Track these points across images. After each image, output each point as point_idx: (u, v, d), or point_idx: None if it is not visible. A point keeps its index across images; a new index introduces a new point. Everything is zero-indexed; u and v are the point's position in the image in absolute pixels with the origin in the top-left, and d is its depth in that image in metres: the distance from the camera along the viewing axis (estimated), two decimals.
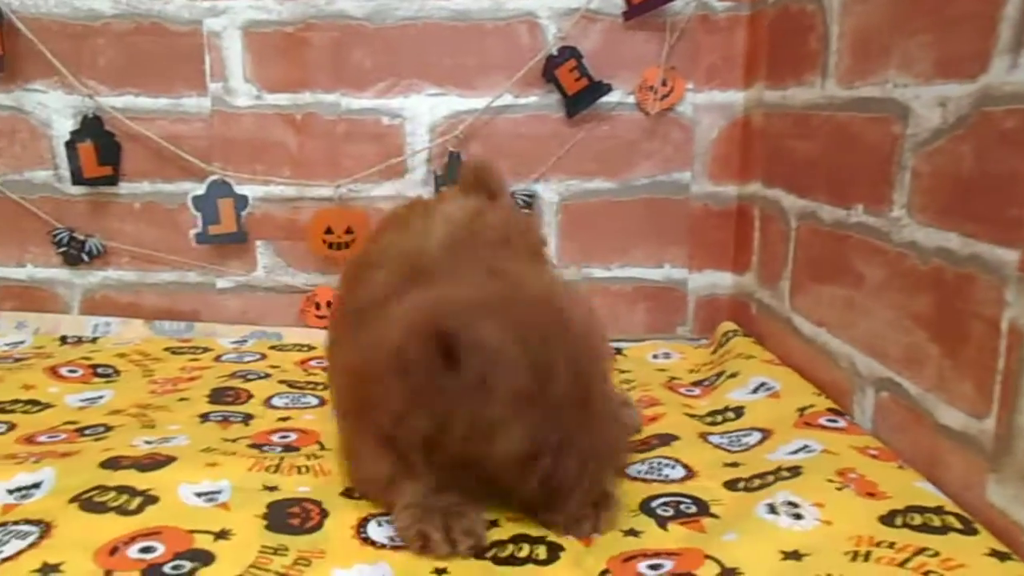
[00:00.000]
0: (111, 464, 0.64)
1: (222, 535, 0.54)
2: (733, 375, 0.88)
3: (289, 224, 1.10)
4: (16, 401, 0.83)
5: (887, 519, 0.53)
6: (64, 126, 1.07)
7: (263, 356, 1.03)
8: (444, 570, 0.51)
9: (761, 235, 1.00)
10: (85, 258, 1.11)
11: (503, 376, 0.49)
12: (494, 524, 0.57)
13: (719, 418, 0.78)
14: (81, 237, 1.10)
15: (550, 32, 1.05)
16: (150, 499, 0.58)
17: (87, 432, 0.74)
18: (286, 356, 1.04)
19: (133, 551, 0.51)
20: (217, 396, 0.86)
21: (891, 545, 0.49)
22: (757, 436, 0.71)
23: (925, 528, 0.52)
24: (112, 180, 1.09)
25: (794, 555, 0.50)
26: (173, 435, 0.73)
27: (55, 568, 0.49)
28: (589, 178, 1.08)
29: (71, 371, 0.93)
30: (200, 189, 1.09)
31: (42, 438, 0.73)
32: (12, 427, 0.76)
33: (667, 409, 0.81)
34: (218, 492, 0.60)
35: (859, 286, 0.73)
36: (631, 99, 1.06)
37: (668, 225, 1.08)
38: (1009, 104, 0.52)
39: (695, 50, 1.05)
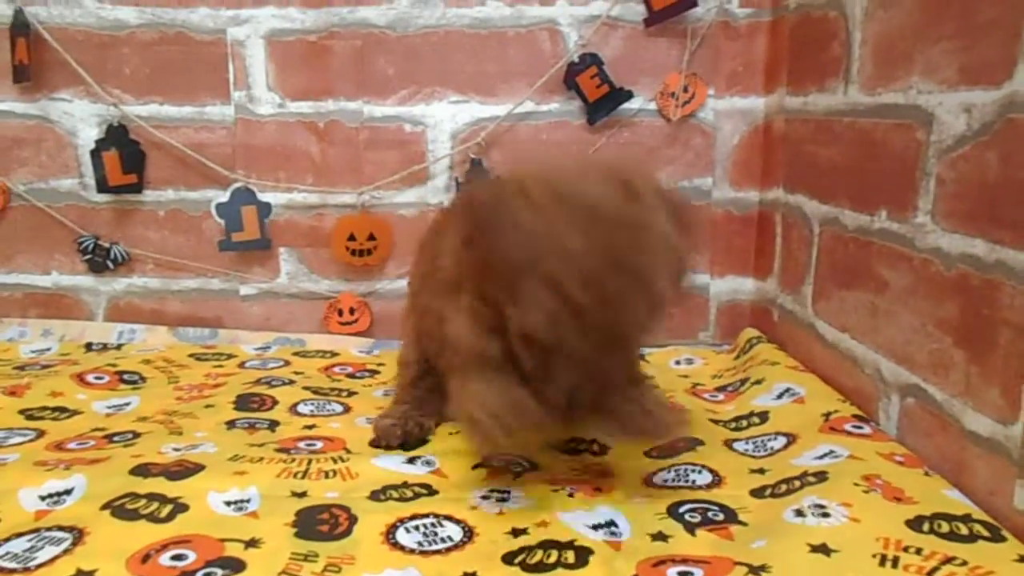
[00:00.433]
0: (141, 471, 0.62)
1: (252, 543, 0.53)
2: (758, 382, 0.85)
3: (312, 231, 1.08)
4: (44, 408, 0.81)
5: (914, 524, 0.51)
6: (89, 135, 1.05)
7: (287, 363, 1.01)
8: (474, 574, 0.50)
9: (783, 241, 0.98)
10: (110, 265, 1.09)
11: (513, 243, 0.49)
12: (523, 532, 0.55)
13: (744, 423, 0.76)
14: (106, 244, 1.08)
15: (571, 39, 1.02)
16: (180, 507, 0.57)
17: (116, 439, 0.73)
18: (310, 363, 1.01)
19: (165, 559, 0.50)
20: (242, 403, 0.84)
21: (918, 551, 0.48)
22: (782, 441, 0.69)
23: (953, 536, 0.50)
24: (137, 188, 1.06)
25: (823, 548, 0.48)
26: (200, 442, 0.71)
27: (89, 574, 0.48)
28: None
29: (98, 378, 0.91)
30: (224, 197, 1.07)
31: (72, 445, 0.71)
32: (42, 434, 0.74)
33: (692, 415, 0.78)
34: (247, 500, 0.59)
35: (883, 292, 0.71)
36: (652, 105, 1.04)
37: None
38: None
39: (716, 56, 1.02)
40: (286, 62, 1.04)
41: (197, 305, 1.10)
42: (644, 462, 0.67)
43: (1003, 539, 0.50)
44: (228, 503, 0.58)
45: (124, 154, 1.05)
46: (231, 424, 0.77)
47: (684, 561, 0.51)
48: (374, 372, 0.98)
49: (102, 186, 1.06)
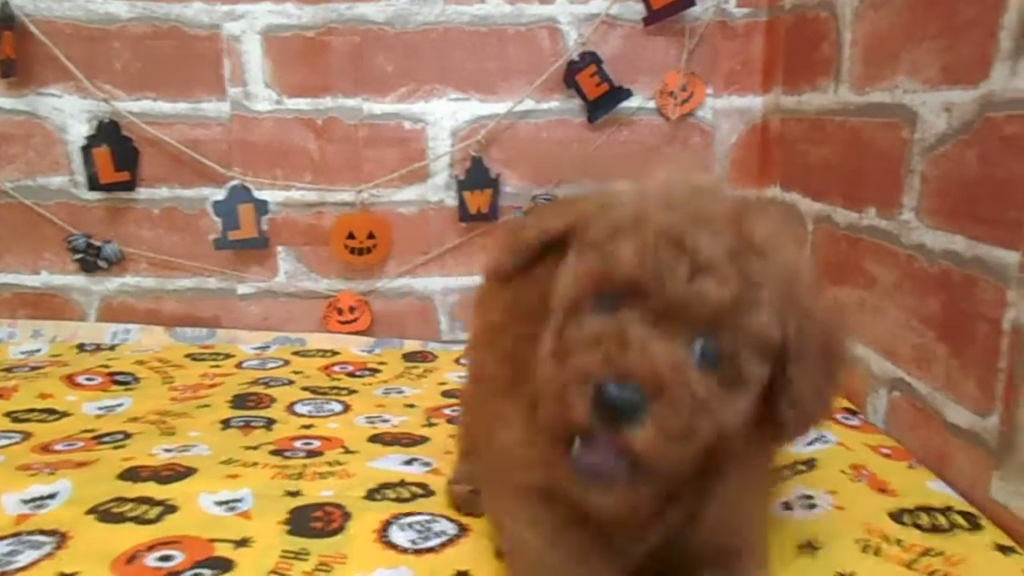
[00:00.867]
0: (130, 475, 0.60)
1: (243, 543, 0.51)
2: None
3: (311, 229, 1.04)
4: (32, 410, 0.77)
5: (896, 516, 0.51)
6: (80, 131, 1.00)
7: (286, 362, 0.97)
8: (466, 573, 0.48)
9: None
10: (102, 264, 1.03)
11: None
12: None
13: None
14: (98, 243, 1.03)
15: (571, 38, 1.00)
16: (169, 508, 0.55)
17: (105, 440, 0.69)
18: (310, 362, 0.97)
19: (151, 560, 0.48)
20: (239, 402, 0.80)
21: (899, 543, 0.49)
22: None
23: (932, 529, 0.51)
24: (129, 186, 1.01)
25: (808, 546, 0.48)
26: (193, 443, 0.68)
27: None
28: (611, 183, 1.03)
29: (89, 379, 0.87)
30: (220, 194, 1.02)
31: (58, 447, 0.68)
32: (28, 436, 0.70)
33: None
34: (239, 500, 0.57)
35: (871, 288, 0.71)
36: (651, 104, 1.01)
37: None
38: (1009, 110, 0.51)
39: (714, 56, 1.00)
40: (283, 58, 1.00)
41: (194, 305, 1.06)
42: None
43: (980, 528, 0.51)
44: (219, 503, 0.56)
45: (116, 151, 1.00)
46: (226, 423, 0.74)
47: None
48: (375, 371, 0.95)
49: (93, 183, 1.00)
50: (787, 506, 0.53)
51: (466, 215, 1.02)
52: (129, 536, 0.51)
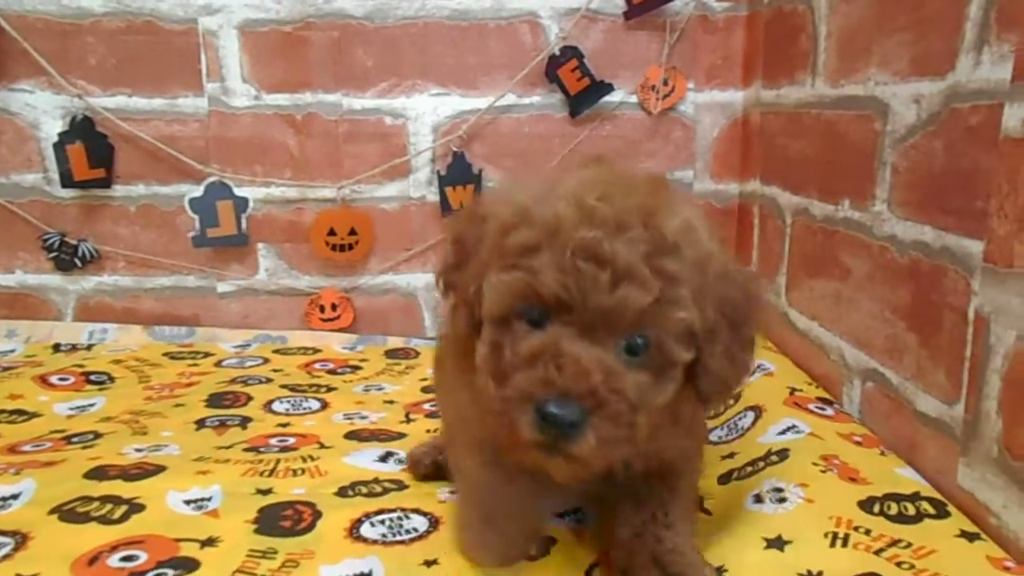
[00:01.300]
0: (97, 474, 0.57)
1: (209, 542, 0.49)
2: None
3: (291, 226, 1.01)
4: (1, 411, 0.74)
5: (866, 504, 0.50)
6: (53, 127, 0.96)
7: (266, 360, 0.94)
8: (435, 561, 0.47)
9: (760, 232, 0.95)
10: (78, 263, 1.00)
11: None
12: None
13: (722, 408, 0.73)
14: (73, 241, 0.99)
15: (552, 32, 0.97)
16: (136, 507, 0.52)
17: (75, 440, 0.66)
18: (290, 360, 0.94)
19: (114, 560, 0.46)
20: (215, 401, 0.78)
21: (868, 532, 0.47)
22: (751, 417, 0.67)
23: (900, 518, 0.50)
24: (105, 183, 0.98)
25: (776, 542, 0.47)
26: (165, 443, 0.66)
27: None
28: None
29: (62, 379, 0.83)
30: (197, 191, 0.99)
31: (26, 447, 0.65)
32: None
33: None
34: (208, 499, 0.54)
35: (846, 279, 0.70)
36: (633, 99, 0.99)
37: None
38: (973, 101, 0.51)
39: (695, 50, 0.98)
40: (261, 53, 0.96)
41: (172, 303, 1.02)
42: None
43: (948, 515, 0.50)
44: (188, 502, 0.55)
45: (90, 147, 0.96)
46: (200, 423, 0.71)
47: None
48: (356, 368, 0.92)
49: (67, 181, 0.97)
50: (758, 499, 0.52)
51: (448, 210, 0.99)
52: (92, 536, 0.48)
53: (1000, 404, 0.48)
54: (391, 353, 0.98)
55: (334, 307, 1.02)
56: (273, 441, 0.66)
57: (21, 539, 0.48)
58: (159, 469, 0.58)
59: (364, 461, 0.62)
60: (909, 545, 0.46)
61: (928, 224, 0.57)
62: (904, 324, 0.60)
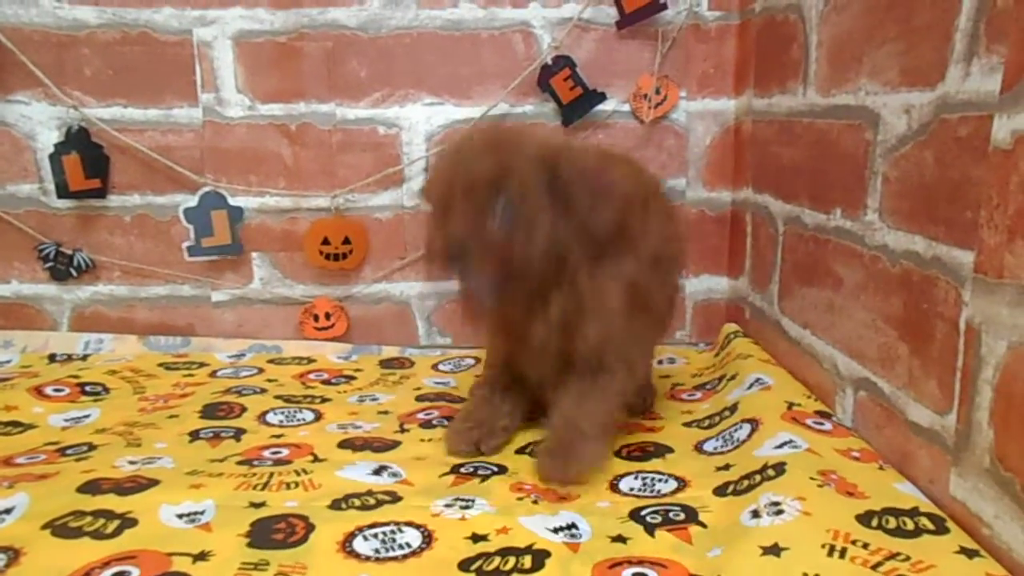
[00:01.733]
0: (90, 488, 0.56)
1: (202, 556, 0.48)
2: (733, 377, 0.82)
3: (285, 235, 1.00)
4: None
5: (864, 518, 0.50)
6: (49, 138, 0.96)
7: (260, 370, 0.93)
8: None
9: (752, 240, 0.94)
10: (73, 273, 0.99)
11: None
12: (483, 538, 0.51)
13: (716, 419, 0.73)
14: (69, 251, 0.98)
15: (544, 41, 0.97)
16: (129, 522, 0.52)
17: (69, 452, 0.65)
18: (285, 370, 0.93)
19: None
20: (209, 412, 0.77)
21: (865, 546, 0.47)
22: (747, 429, 0.66)
23: (898, 532, 0.49)
24: (100, 193, 0.97)
25: (773, 549, 0.46)
26: (159, 455, 0.65)
27: None
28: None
29: (57, 390, 0.82)
30: (192, 201, 0.98)
31: (20, 460, 0.64)
32: None
33: (666, 422, 0.75)
34: (201, 512, 0.53)
35: (838, 289, 0.70)
36: (626, 107, 0.99)
37: None
38: (963, 112, 0.51)
39: (687, 59, 0.98)
40: (255, 64, 0.96)
41: (167, 313, 1.01)
42: (613, 462, 0.64)
43: (947, 531, 0.49)
44: (181, 516, 0.53)
45: (86, 158, 0.96)
46: (194, 435, 0.70)
47: (640, 562, 0.48)
48: (350, 378, 0.91)
49: (62, 191, 0.96)
50: (755, 513, 0.51)
51: None
52: (85, 552, 0.48)
53: (991, 414, 0.48)
54: (385, 363, 0.97)
55: (328, 316, 1.01)
56: (267, 453, 0.66)
57: (13, 555, 0.47)
58: (152, 483, 0.57)
59: (358, 474, 0.61)
60: (908, 559, 0.45)
61: (919, 234, 0.56)
62: (896, 333, 0.60)
